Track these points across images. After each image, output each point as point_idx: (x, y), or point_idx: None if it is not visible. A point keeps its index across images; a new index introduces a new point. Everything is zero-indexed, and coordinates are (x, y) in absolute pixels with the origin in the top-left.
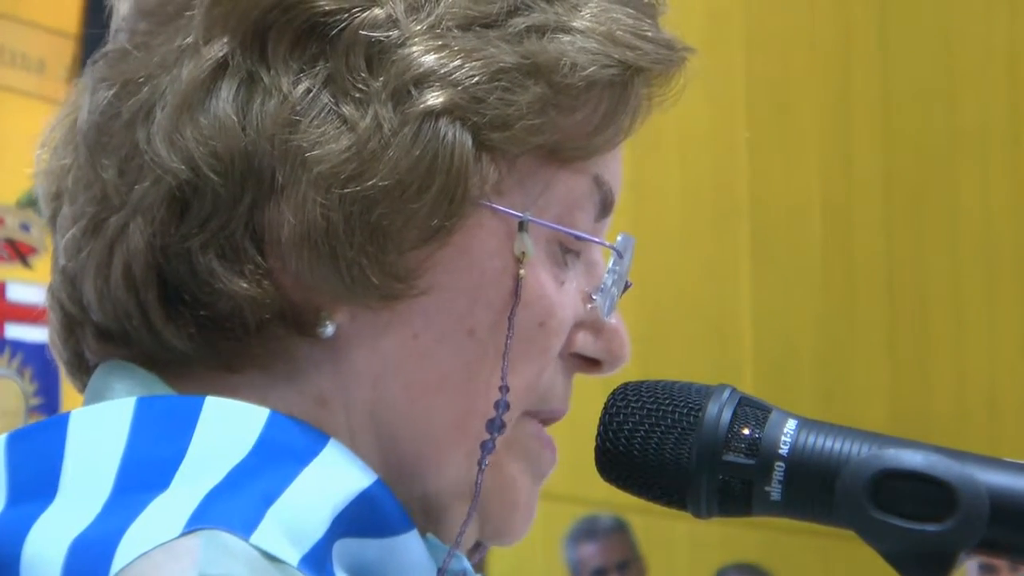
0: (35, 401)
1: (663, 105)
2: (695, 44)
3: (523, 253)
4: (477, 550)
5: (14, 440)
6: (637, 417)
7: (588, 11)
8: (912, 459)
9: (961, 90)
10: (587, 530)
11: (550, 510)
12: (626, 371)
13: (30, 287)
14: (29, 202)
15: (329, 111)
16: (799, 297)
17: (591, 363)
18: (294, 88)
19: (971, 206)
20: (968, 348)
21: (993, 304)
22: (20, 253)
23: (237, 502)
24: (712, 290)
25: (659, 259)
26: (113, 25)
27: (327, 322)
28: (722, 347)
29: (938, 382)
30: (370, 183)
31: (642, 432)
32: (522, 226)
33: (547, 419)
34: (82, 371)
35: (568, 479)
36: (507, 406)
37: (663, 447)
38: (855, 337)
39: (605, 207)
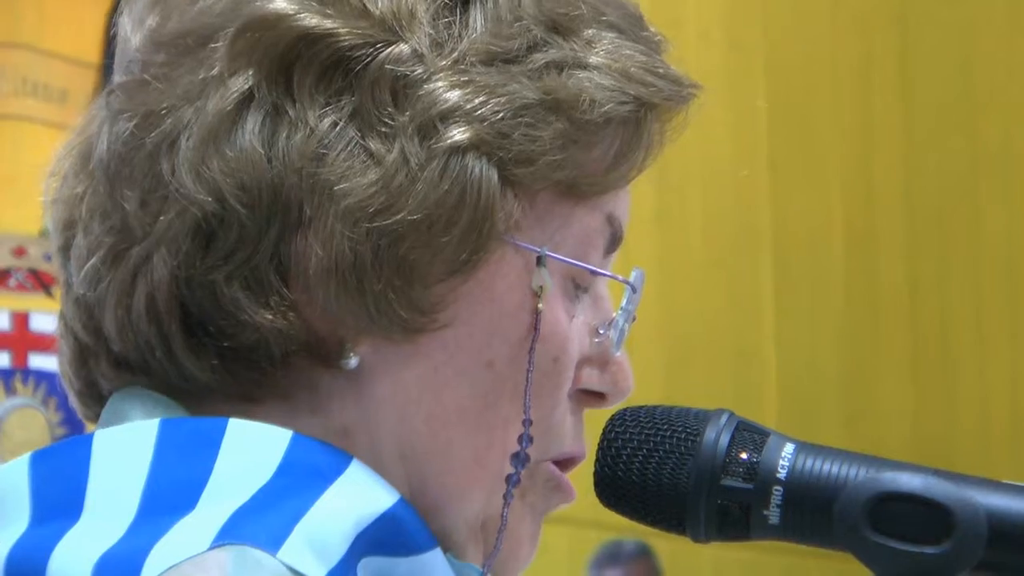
0: (60, 431)
1: (671, 141)
2: (716, 71)
3: (541, 287)
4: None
5: (38, 459)
6: (635, 442)
7: (601, 48)
8: (910, 482)
9: (982, 114)
10: (611, 555)
11: (575, 535)
12: (652, 396)
13: (53, 317)
14: None
15: (355, 145)
16: (822, 322)
17: (595, 397)
18: (320, 121)
19: (993, 229)
20: (991, 370)
21: (1016, 326)
22: (43, 283)
23: (265, 520)
24: (736, 315)
25: (683, 285)
26: (121, 55)
27: (351, 354)
28: (746, 372)
29: (962, 405)
30: (398, 217)
31: (640, 457)
32: (540, 261)
33: (564, 463)
34: (94, 400)
35: (593, 504)
36: (531, 439)
37: (661, 472)
38: (878, 361)
39: (613, 243)
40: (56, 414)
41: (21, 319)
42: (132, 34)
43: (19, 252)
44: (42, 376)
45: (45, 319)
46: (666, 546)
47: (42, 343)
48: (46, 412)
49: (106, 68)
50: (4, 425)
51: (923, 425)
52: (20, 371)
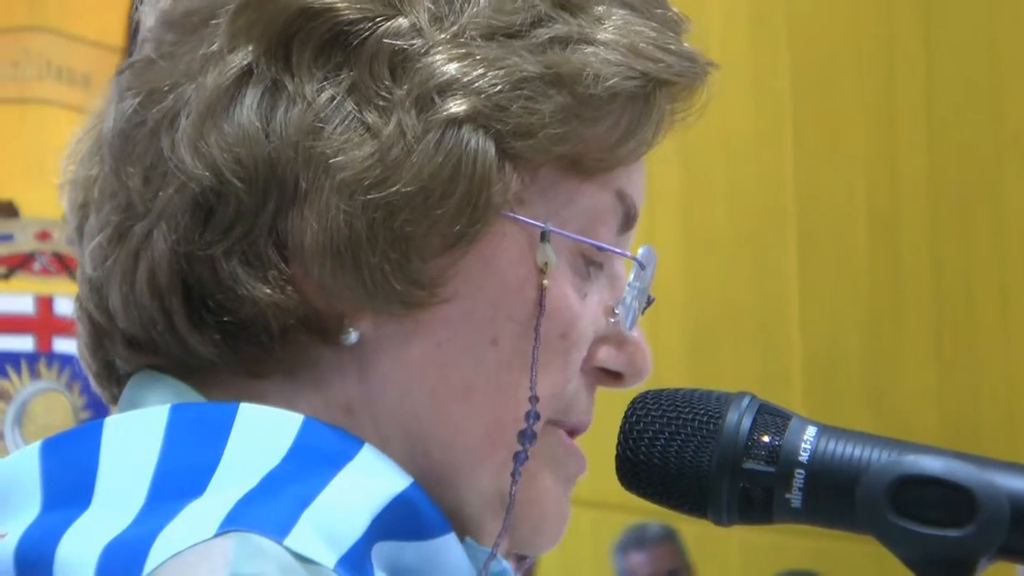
0: (84, 415)
1: (686, 121)
2: (740, 51)
3: (546, 264)
4: (523, 560)
5: (49, 446)
6: (657, 425)
7: (611, 24)
8: (932, 465)
9: (1006, 94)
10: (636, 539)
11: (600, 518)
12: (676, 376)
13: None
14: None
15: (353, 118)
16: (846, 302)
17: (613, 377)
18: (318, 96)
19: (1017, 208)
20: (1016, 351)
21: None
22: (67, 267)
23: (271, 506)
24: (760, 296)
25: (707, 265)
26: (139, 37)
27: (350, 329)
28: (770, 353)
29: (986, 385)
30: (393, 189)
31: (662, 440)
32: (544, 236)
33: (571, 431)
34: (111, 382)
35: (618, 487)
36: (537, 416)
37: (683, 455)
38: (903, 342)
39: (627, 221)
40: (80, 398)
41: (45, 303)
42: (148, 16)
43: (43, 236)
44: (66, 360)
45: (69, 303)
46: (692, 530)
47: (66, 327)
48: (70, 396)
49: (130, 52)
50: (28, 409)
51: (948, 405)
52: (44, 355)
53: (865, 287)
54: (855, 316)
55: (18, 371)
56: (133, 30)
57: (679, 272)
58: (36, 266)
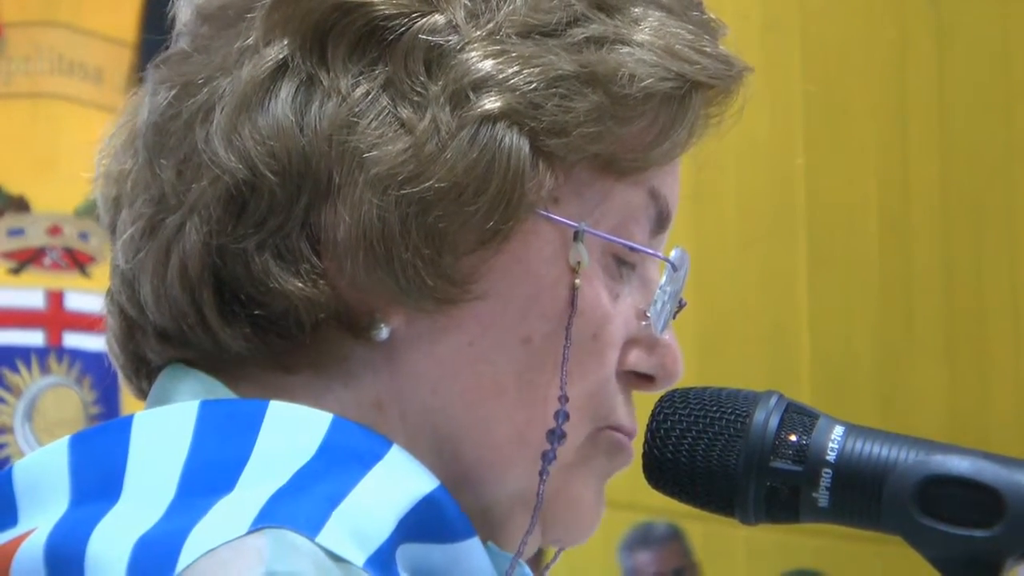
0: (94, 410)
1: (721, 125)
2: (753, 53)
3: (578, 263)
4: (538, 568)
5: (77, 441)
6: (684, 424)
7: (647, 25)
8: (959, 465)
9: (1017, 97)
10: (642, 538)
11: (606, 517)
12: (686, 377)
13: (88, 296)
14: (87, 211)
15: (387, 113)
16: (856, 303)
17: (645, 380)
18: (353, 90)
19: None
20: None
21: None
22: (78, 262)
23: (303, 503)
24: (770, 297)
25: (717, 266)
26: (175, 31)
27: (381, 325)
28: (780, 354)
29: (996, 387)
30: (427, 185)
31: (689, 439)
32: (577, 236)
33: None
34: (140, 376)
35: (625, 486)
36: (566, 416)
37: (710, 454)
38: (913, 343)
39: (661, 221)
40: (91, 393)
41: (56, 298)
42: (183, 10)
43: (54, 231)
44: (77, 355)
45: (80, 298)
46: (699, 528)
47: (77, 322)
48: (80, 391)
49: (142, 47)
50: (38, 404)
51: (957, 407)
52: (54, 349)
53: (875, 288)
54: (865, 317)
55: (28, 366)
56: (145, 25)
57: (689, 272)
58: (47, 261)
